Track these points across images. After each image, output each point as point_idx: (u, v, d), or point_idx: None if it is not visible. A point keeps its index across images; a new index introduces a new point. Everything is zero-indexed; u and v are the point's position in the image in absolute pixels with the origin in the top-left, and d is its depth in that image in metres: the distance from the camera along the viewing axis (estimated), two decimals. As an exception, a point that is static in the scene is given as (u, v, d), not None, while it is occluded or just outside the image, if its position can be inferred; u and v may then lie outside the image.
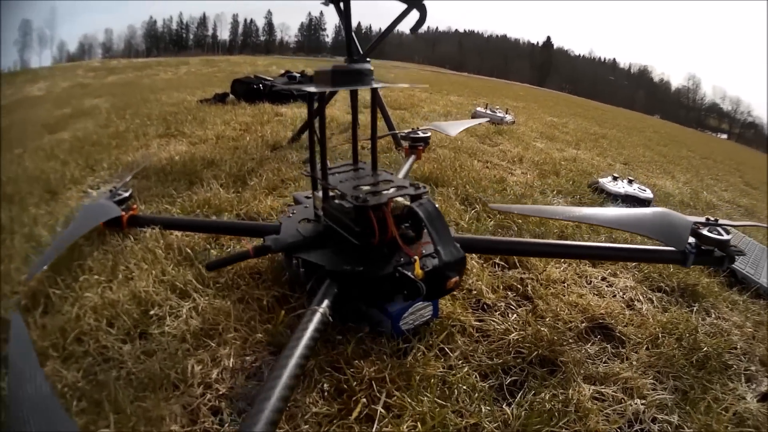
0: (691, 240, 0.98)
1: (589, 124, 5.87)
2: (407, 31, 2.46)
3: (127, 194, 1.32)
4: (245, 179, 1.78)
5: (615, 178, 2.15)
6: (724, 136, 47.22)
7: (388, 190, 0.96)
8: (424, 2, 2.26)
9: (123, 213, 1.22)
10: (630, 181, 2.15)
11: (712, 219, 1.00)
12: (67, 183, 1.75)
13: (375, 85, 0.96)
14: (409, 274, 0.82)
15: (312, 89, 0.89)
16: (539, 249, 1.14)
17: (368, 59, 2.37)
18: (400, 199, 0.95)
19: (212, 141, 2.38)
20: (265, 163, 2.01)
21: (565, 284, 1.20)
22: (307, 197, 1.20)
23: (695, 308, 1.17)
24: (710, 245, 0.96)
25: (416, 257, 0.85)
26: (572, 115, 6.98)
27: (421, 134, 1.72)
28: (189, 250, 1.16)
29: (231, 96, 3.93)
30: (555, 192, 2.04)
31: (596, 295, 1.17)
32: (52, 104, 4.48)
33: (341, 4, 2.37)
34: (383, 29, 2.40)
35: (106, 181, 1.80)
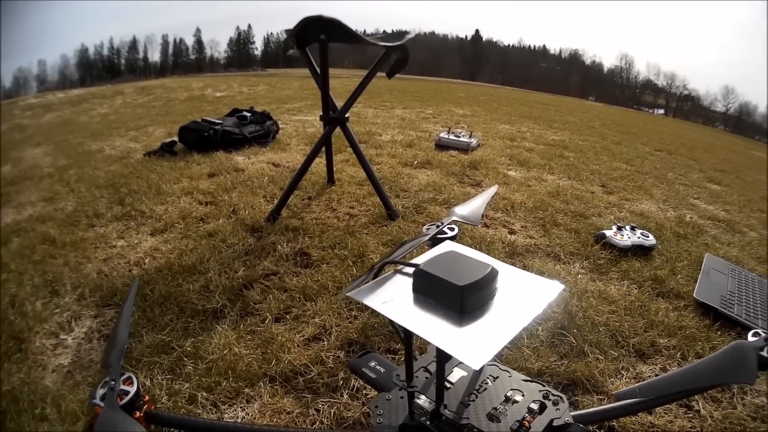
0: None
1: (542, 129, 5.81)
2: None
3: (133, 390, 1.02)
4: (244, 299, 1.54)
5: (620, 228, 2.09)
6: (661, 111, 48.80)
7: (527, 413, 0.81)
8: (405, 44, 2.09)
9: (139, 415, 0.96)
10: (633, 228, 2.10)
11: (764, 333, 0.94)
12: (31, 329, 1.41)
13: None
14: None
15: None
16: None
17: (347, 116, 2.20)
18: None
19: (179, 226, 2.11)
20: (253, 261, 1.78)
21: None
22: (373, 371, 1.01)
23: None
24: None
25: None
26: (521, 117, 6.94)
27: (448, 231, 1.55)
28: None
29: (179, 144, 3.64)
30: (569, 254, 1.95)
31: None
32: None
33: (312, 57, 2.19)
34: (360, 80, 2.21)
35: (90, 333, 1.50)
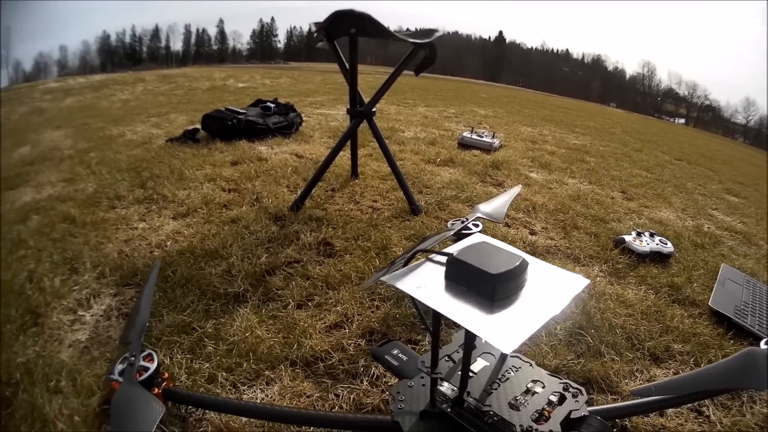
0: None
1: (564, 132, 5.79)
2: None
3: (153, 367, 1.01)
4: (267, 285, 1.56)
5: (639, 234, 2.09)
6: (682, 120, 48.40)
7: (547, 404, 0.83)
8: (433, 42, 2.10)
9: (157, 391, 0.97)
10: (651, 235, 2.10)
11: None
12: (48, 304, 1.44)
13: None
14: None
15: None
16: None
17: (374, 110, 2.21)
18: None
19: (202, 211, 2.13)
20: (276, 249, 1.80)
21: None
22: (396, 359, 1.04)
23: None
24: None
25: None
26: (542, 120, 6.92)
27: (472, 227, 1.56)
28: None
29: (201, 131, 3.67)
30: (588, 257, 1.96)
31: None
32: (9, 140, 4.19)
33: (340, 50, 2.20)
34: (388, 76, 2.22)
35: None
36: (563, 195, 2.77)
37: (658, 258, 2.00)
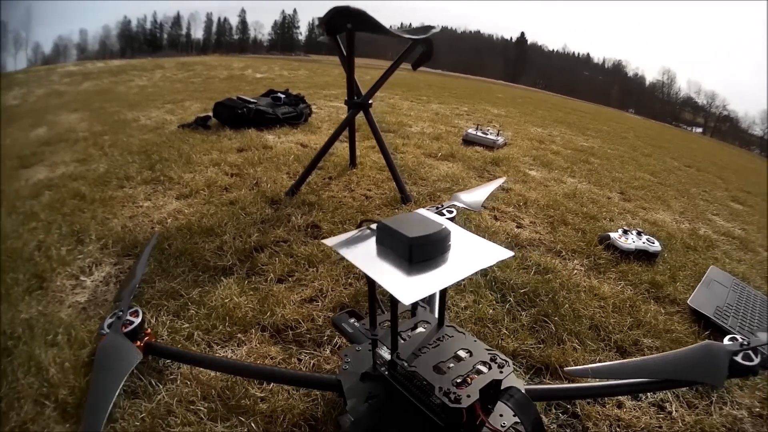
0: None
1: (574, 134, 5.80)
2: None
3: (138, 321, 1.10)
4: (253, 261, 1.66)
5: (625, 232, 2.11)
6: (699, 129, 47.85)
7: (471, 371, 0.87)
8: (429, 38, 2.16)
9: (139, 344, 1.06)
10: (639, 233, 2.12)
11: (745, 342, 0.94)
12: (54, 270, 1.56)
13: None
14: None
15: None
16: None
17: (370, 102, 2.28)
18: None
19: (204, 193, 2.23)
20: (267, 229, 1.89)
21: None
22: (351, 326, 1.12)
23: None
24: (744, 372, 0.92)
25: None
26: (554, 122, 6.91)
27: (446, 213, 1.62)
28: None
29: (213, 119, 3.76)
30: (570, 251, 2.00)
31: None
32: (26, 120, 4.31)
33: (342, 44, 2.27)
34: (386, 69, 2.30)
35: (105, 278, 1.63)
36: (558, 193, 2.80)
37: (644, 256, 2.02)
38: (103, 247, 1.72)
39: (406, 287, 0.68)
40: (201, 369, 1.11)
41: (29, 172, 2.64)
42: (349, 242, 0.83)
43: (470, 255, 0.79)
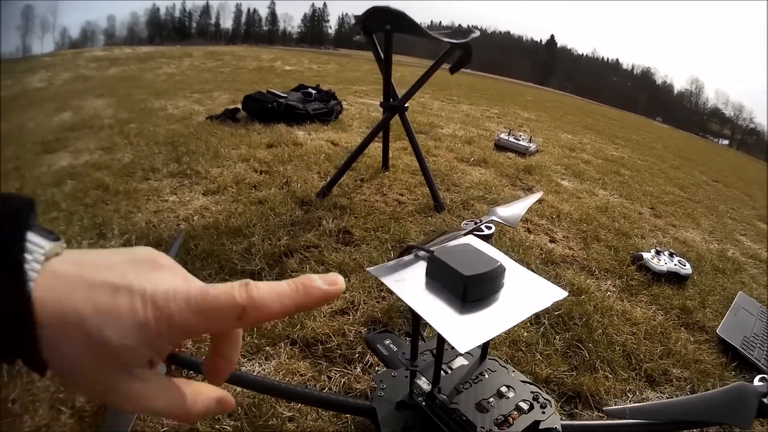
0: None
1: (604, 143, 5.74)
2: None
3: None
4: (283, 266, 1.62)
5: (658, 252, 2.07)
6: (726, 142, 47.39)
7: (513, 409, 0.84)
8: (469, 42, 2.12)
9: None
10: (671, 254, 2.08)
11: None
12: None
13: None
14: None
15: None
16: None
17: (406, 105, 2.25)
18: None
19: (232, 190, 2.20)
20: (297, 232, 1.85)
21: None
22: (387, 348, 1.07)
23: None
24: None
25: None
26: (584, 129, 6.87)
27: (485, 229, 1.58)
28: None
29: (242, 112, 3.74)
30: (603, 270, 1.96)
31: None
32: (51, 104, 4.32)
33: (379, 45, 2.23)
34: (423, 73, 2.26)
35: None
36: (591, 205, 2.75)
37: (674, 279, 1.98)
38: (126, 242, 1.70)
39: (461, 331, 0.64)
40: (227, 384, 1.08)
41: (52, 158, 2.64)
42: (396, 271, 0.78)
43: (524, 294, 0.74)
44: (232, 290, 0.29)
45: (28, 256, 0.25)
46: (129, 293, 0.27)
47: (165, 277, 0.29)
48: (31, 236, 0.26)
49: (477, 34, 2.15)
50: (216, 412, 0.33)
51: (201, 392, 0.32)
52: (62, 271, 0.27)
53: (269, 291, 0.30)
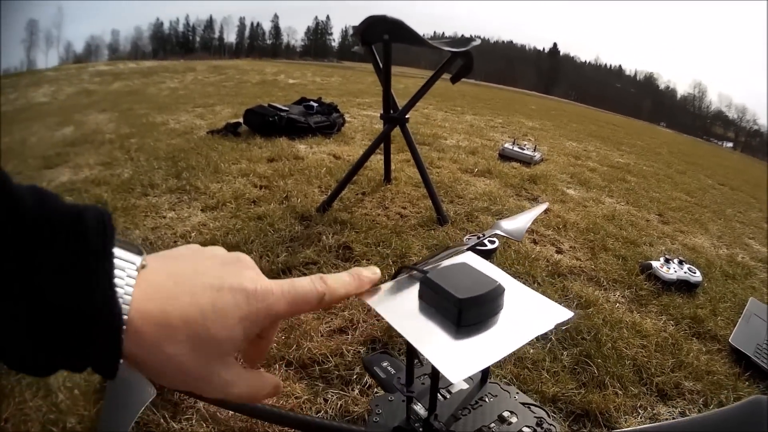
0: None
1: (609, 149, 5.70)
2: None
3: None
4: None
5: (667, 260, 2.02)
6: (730, 144, 47.34)
7: None
8: (470, 51, 2.09)
9: None
10: (681, 262, 2.03)
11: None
12: None
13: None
14: None
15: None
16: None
17: (407, 117, 2.21)
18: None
19: (231, 205, 2.16)
20: (296, 248, 1.81)
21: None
22: (384, 371, 1.02)
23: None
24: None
25: None
26: (589, 136, 6.83)
27: (488, 244, 1.54)
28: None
29: (243, 126, 3.72)
30: (611, 281, 1.91)
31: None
32: (53, 118, 4.32)
33: (378, 55, 2.20)
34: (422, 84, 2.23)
35: None
36: (597, 214, 2.71)
37: (684, 287, 1.93)
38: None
39: (453, 359, 0.60)
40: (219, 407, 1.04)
41: (53, 173, 2.62)
42: (387, 296, 0.74)
43: (525, 316, 0.69)
44: (312, 282, 0.37)
45: (120, 273, 0.28)
46: (231, 292, 0.32)
47: (254, 274, 0.35)
48: (119, 252, 0.29)
49: (477, 42, 2.12)
50: (275, 394, 0.40)
51: (265, 378, 0.39)
52: (159, 282, 0.30)
53: (336, 280, 0.41)
